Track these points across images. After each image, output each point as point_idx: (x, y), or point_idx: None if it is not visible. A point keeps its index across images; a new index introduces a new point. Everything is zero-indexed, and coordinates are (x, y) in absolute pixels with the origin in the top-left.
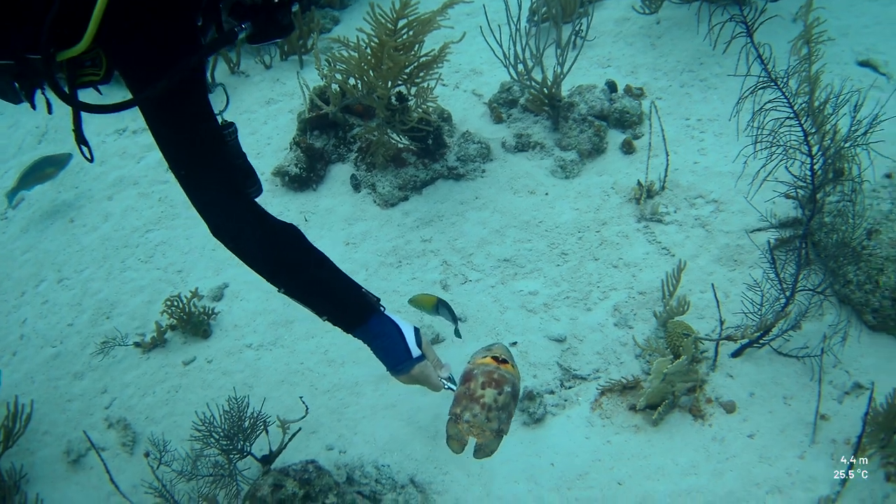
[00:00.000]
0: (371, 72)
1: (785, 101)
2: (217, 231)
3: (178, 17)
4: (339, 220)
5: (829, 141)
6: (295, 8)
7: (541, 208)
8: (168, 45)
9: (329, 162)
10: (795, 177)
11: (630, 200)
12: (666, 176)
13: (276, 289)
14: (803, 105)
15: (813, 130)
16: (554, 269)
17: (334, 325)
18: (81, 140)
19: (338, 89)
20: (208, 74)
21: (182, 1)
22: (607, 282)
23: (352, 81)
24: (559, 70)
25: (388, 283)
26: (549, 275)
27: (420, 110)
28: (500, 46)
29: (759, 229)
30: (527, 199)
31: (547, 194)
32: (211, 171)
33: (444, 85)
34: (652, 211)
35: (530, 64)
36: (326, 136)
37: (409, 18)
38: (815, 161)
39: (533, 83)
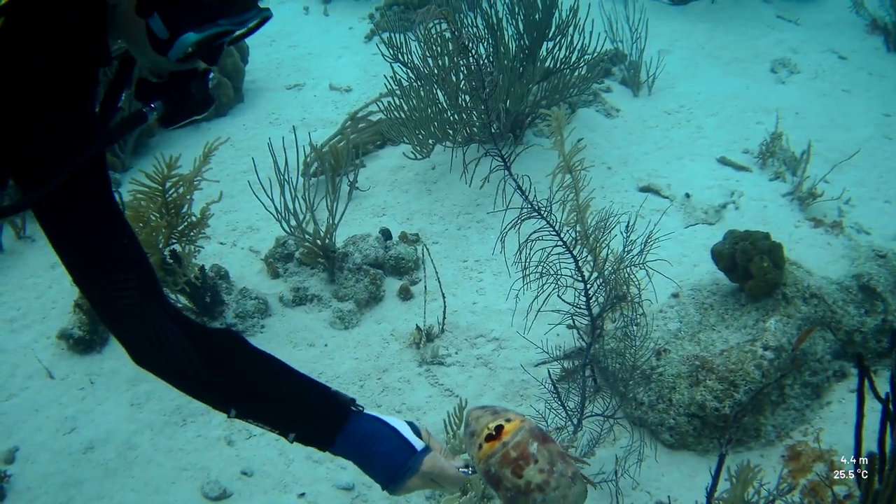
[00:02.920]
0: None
1: (550, 229)
2: (137, 354)
3: (73, 99)
4: (123, 381)
5: (604, 265)
6: (213, 78)
7: (320, 360)
8: (63, 134)
9: None
10: (570, 304)
11: (410, 346)
12: (444, 318)
13: (224, 415)
14: (576, 233)
15: (587, 257)
16: None
17: (306, 443)
18: None
19: None
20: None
21: (76, 79)
22: None
23: None
24: (331, 221)
25: (173, 441)
26: None
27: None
28: (272, 201)
29: (543, 363)
30: (306, 351)
31: (326, 346)
32: (125, 276)
33: (221, 244)
34: (433, 354)
35: (301, 216)
36: None
37: (174, 179)
38: (588, 287)
39: (306, 235)
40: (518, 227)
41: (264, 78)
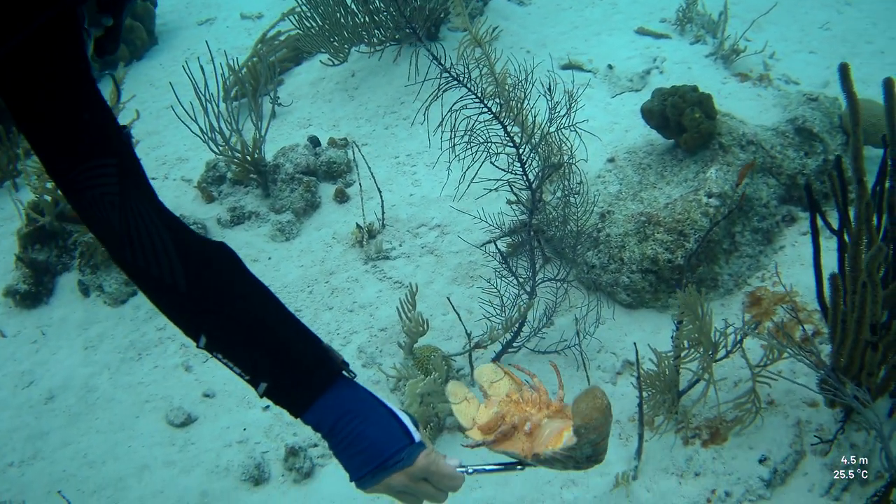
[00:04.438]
0: None
1: (472, 96)
2: (114, 249)
3: None
4: (74, 327)
5: (532, 129)
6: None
7: (266, 273)
8: None
9: (56, 273)
10: (505, 170)
11: (353, 245)
12: (383, 214)
13: (192, 343)
14: (498, 102)
15: (514, 127)
16: None
17: (277, 401)
18: None
19: (50, 199)
20: None
21: None
22: (346, 327)
23: None
24: (258, 135)
25: (131, 377)
26: None
27: None
28: (196, 122)
29: (489, 241)
30: (251, 267)
31: (270, 259)
32: (103, 161)
33: (153, 178)
34: (377, 250)
35: (228, 134)
36: (48, 248)
37: None
38: (521, 151)
39: (235, 153)
40: (440, 96)
41: (175, 18)
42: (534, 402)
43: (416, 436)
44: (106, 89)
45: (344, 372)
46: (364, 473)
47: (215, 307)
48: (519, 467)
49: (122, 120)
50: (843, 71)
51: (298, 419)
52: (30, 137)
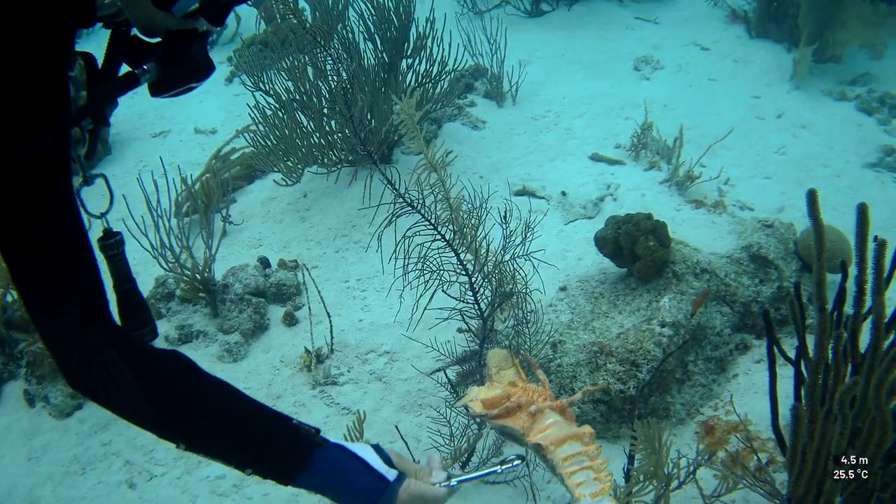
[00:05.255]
0: None
1: (426, 222)
2: (73, 380)
3: (48, 59)
4: (18, 437)
5: (486, 258)
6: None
7: None
8: (34, 100)
9: (2, 381)
10: (457, 299)
11: (301, 370)
12: (332, 338)
13: (173, 445)
14: (452, 229)
15: (468, 255)
16: None
17: (265, 477)
18: None
19: None
20: None
21: (44, 28)
22: None
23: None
24: (208, 254)
25: (74, 490)
26: None
27: None
28: (146, 237)
29: (438, 369)
30: None
31: None
32: (67, 290)
33: None
34: (325, 375)
35: (178, 251)
36: None
37: None
38: (473, 279)
39: (184, 271)
40: (394, 222)
41: (129, 129)
42: (539, 393)
43: (391, 475)
44: None
45: (317, 440)
46: None
47: (184, 422)
48: (499, 469)
49: None
50: (811, 197)
51: (289, 486)
52: (3, 252)
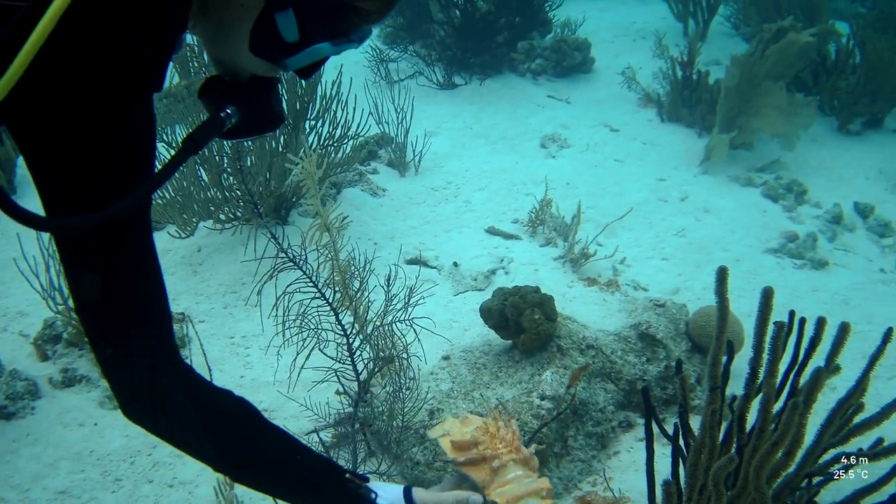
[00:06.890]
0: None
1: (307, 278)
2: (131, 411)
3: (144, 96)
4: None
5: (366, 318)
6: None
7: (91, 439)
8: (131, 144)
9: None
10: (333, 359)
11: None
12: None
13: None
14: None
15: (349, 315)
16: (109, 497)
17: None
18: None
19: None
20: None
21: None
22: (164, 502)
23: None
24: None
25: None
26: (104, 502)
27: None
28: (38, 278)
29: (313, 431)
30: (77, 431)
31: (96, 425)
32: (144, 331)
33: None
34: None
35: (66, 293)
36: None
37: None
38: (351, 340)
39: (72, 314)
40: (275, 276)
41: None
42: (506, 443)
43: None
44: None
45: (365, 485)
46: None
47: (245, 468)
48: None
49: None
50: (721, 274)
51: None
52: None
